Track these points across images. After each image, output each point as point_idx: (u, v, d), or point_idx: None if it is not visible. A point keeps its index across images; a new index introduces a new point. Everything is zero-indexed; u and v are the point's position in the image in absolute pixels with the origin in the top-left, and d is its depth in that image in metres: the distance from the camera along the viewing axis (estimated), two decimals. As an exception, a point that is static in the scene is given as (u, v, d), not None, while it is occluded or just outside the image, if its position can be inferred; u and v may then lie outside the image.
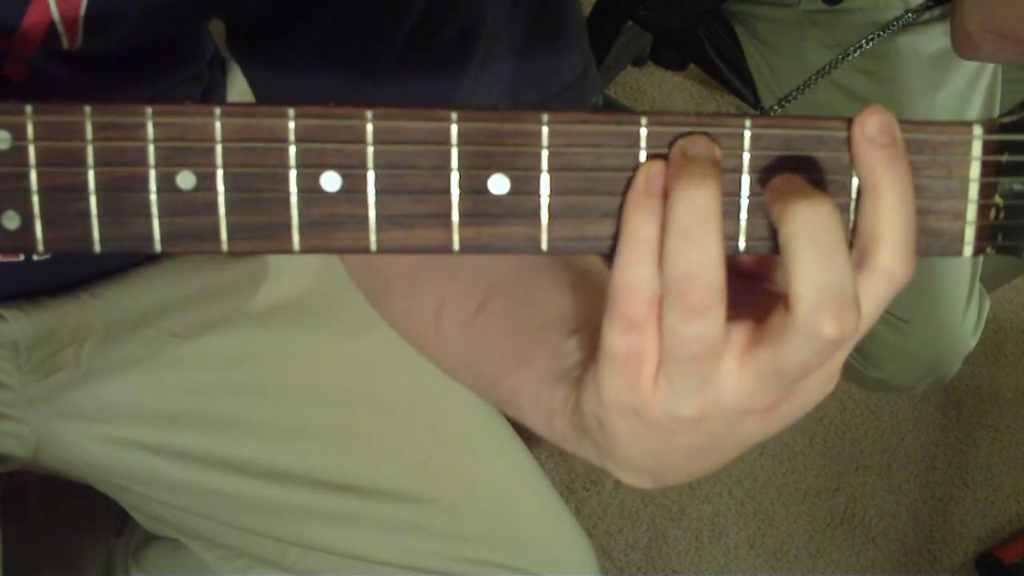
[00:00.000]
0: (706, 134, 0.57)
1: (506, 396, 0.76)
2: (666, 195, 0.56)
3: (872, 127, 0.56)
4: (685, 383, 0.58)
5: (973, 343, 1.86)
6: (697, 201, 0.55)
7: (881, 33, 1.74)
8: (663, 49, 2.53)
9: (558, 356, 0.71)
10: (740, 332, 0.58)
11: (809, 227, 0.55)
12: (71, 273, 1.06)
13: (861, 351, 1.88)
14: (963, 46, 1.63)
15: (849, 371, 1.93)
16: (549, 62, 0.89)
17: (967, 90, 1.79)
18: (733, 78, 1.98)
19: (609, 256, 0.59)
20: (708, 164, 0.56)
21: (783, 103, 1.83)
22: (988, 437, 2.42)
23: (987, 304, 1.88)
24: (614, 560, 2.04)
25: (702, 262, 0.55)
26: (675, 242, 0.55)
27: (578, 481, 2.02)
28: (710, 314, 0.55)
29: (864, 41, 1.75)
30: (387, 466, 1.11)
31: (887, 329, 1.81)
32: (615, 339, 0.58)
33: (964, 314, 1.82)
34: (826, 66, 1.78)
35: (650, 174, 0.56)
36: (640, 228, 0.56)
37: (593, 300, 0.75)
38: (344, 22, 0.83)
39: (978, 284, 1.85)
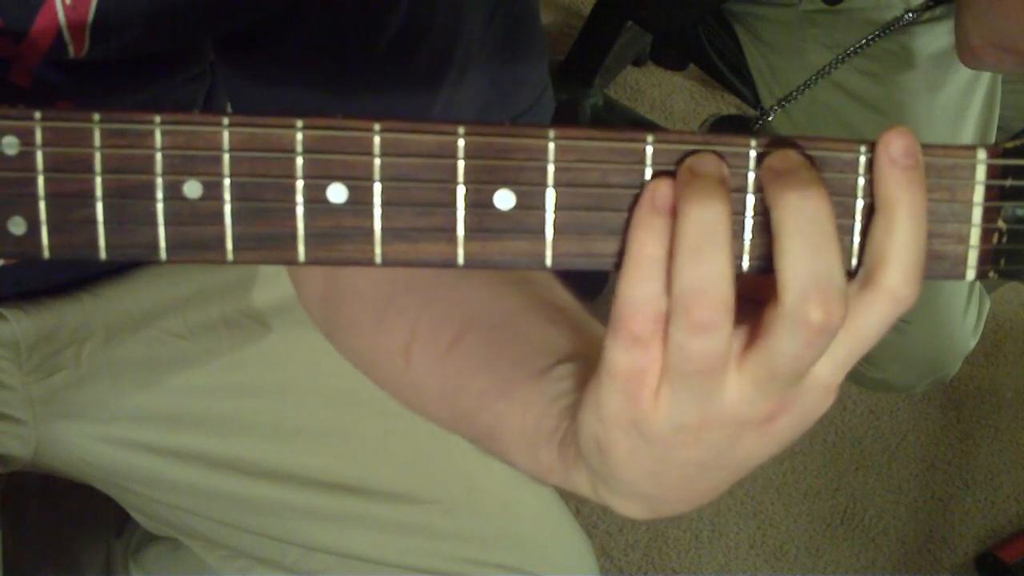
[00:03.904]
0: (715, 152, 0.57)
1: (485, 430, 0.75)
2: (674, 213, 0.56)
3: (897, 148, 0.56)
4: (688, 396, 0.58)
5: (973, 343, 1.86)
6: (706, 217, 0.55)
7: (881, 33, 1.75)
8: (663, 49, 2.53)
9: (543, 386, 0.71)
10: (737, 338, 0.58)
11: (799, 216, 0.55)
12: (72, 273, 1.06)
13: (862, 351, 1.88)
14: (966, 57, 1.64)
15: (850, 371, 1.93)
16: (517, 80, 0.89)
17: (967, 91, 1.79)
18: (733, 78, 1.98)
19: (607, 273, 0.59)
20: (716, 181, 0.56)
21: (783, 103, 1.83)
22: (988, 437, 2.42)
23: (987, 304, 1.89)
24: (614, 560, 2.04)
25: (711, 277, 0.55)
26: (684, 258, 0.55)
27: (578, 481, 2.00)
28: (718, 330, 0.55)
29: (864, 41, 1.75)
30: (387, 466, 1.11)
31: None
32: (618, 356, 0.58)
33: (964, 314, 1.82)
34: (826, 66, 1.78)
35: (657, 192, 0.56)
36: (646, 245, 0.56)
37: (574, 333, 0.76)
38: (323, 36, 0.83)
39: (978, 284, 1.85)
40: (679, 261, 0.55)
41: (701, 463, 0.62)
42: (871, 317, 0.57)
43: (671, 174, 0.57)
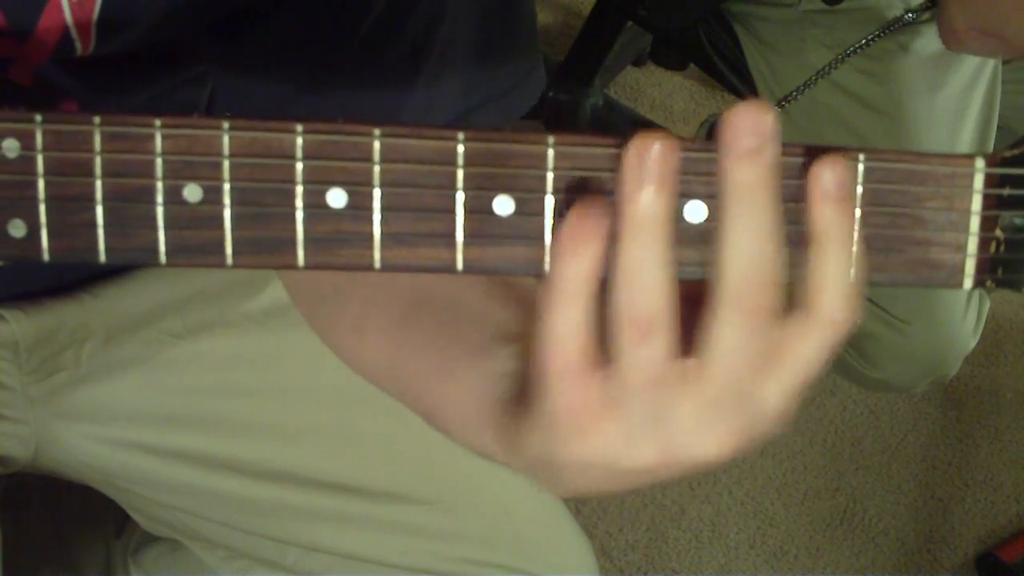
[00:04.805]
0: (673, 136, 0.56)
1: (429, 410, 0.75)
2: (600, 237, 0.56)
3: (828, 181, 0.56)
4: (638, 419, 0.59)
5: (973, 343, 1.86)
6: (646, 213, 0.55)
7: (881, 33, 1.75)
8: (663, 49, 2.54)
9: (486, 369, 0.71)
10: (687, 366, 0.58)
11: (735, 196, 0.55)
12: (72, 274, 1.06)
13: (862, 352, 1.88)
14: (949, 41, 1.65)
15: (849, 371, 1.94)
16: (503, 59, 0.89)
17: (967, 90, 1.79)
18: (733, 78, 1.98)
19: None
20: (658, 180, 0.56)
21: (783, 103, 1.83)
22: (988, 437, 2.41)
23: (987, 304, 1.89)
24: (614, 560, 2.04)
25: (650, 277, 0.55)
26: (625, 252, 0.55)
27: (577, 481, 2.00)
28: (659, 334, 0.56)
29: (864, 41, 1.76)
30: (386, 467, 1.10)
31: (887, 330, 1.81)
32: (554, 398, 0.59)
33: (964, 314, 1.82)
34: (826, 66, 1.78)
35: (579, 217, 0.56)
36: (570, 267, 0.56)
37: (527, 315, 0.75)
38: (309, 13, 0.83)
39: (978, 285, 1.85)
40: (620, 257, 0.55)
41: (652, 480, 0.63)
42: (811, 343, 0.57)
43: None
